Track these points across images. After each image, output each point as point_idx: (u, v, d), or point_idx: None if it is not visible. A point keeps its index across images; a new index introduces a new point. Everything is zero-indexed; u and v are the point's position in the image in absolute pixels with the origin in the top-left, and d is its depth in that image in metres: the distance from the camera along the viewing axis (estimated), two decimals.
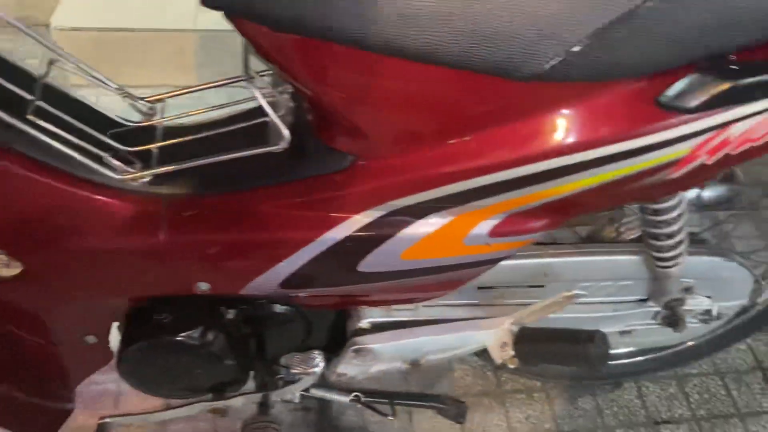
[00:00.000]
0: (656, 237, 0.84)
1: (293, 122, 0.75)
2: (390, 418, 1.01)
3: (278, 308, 0.88)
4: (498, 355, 0.89)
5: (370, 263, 0.78)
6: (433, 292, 0.85)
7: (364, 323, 0.92)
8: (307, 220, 0.76)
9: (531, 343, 0.86)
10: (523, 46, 0.58)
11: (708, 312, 0.99)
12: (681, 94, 0.62)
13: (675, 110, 0.63)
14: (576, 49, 0.57)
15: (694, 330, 1.07)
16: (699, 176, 0.71)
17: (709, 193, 1.08)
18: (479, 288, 0.92)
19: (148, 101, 0.82)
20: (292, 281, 0.80)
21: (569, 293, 0.86)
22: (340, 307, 0.91)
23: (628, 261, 0.90)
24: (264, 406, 0.94)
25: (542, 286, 0.93)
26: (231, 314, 0.86)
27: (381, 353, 0.90)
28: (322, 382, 1.00)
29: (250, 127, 0.76)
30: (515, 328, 0.89)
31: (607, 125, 0.64)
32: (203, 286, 0.82)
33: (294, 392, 0.92)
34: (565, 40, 0.57)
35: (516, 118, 0.66)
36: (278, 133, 0.70)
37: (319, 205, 0.75)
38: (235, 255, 0.78)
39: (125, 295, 0.85)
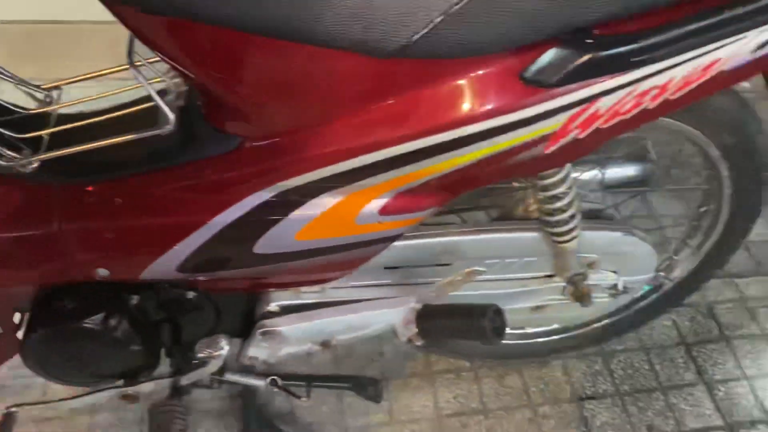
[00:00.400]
0: (548, 213, 0.87)
1: (184, 106, 0.75)
2: (303, 399, 1.02)
3: (184, 293, 0.89)
4: (403, 333, 0.91)
5: (265, 245, 0.79)
6: (334, 273, 0.86)
7: (272, 306, 0.92)
8: (198, 203, 0.76)
9: (431, 319, 0.88)
10: (384, 22, 0.59)
11: (614, 286, 1.02)
12: (544, 69, 0.63)
13: (540, 85, 0.64)
14: (435, 24, 0.59)
15: (607, 306, 1.09)
16: (575, 151, 0.73)
17: (621, 170, 1.11)
18: (386, 268, 0.93)
19: (44, 89, 0.82)
20: (189, 265, 0.80)
21: (468, 270, 0.88)
22: (246, 291, 0.92)
23: (528, 238, 0.92)
24: (176, 390, 0.95)
25: (449, 265, 0.94)
26: (135, 300, 0.87)
27: (288, 335, 0.91)
28: (239, 367, 1.01)
29: (139, 112, 0.76)
30: (419, 306, 0.90)
31: (474, 102, 0.65)
32: (102, 272, 0.82)
33: (202, 376, 0.92)
34: (423, 17, 0.58)
35: (389, 97, 0.67)
36: (165, 117, 0.71)
37: (209, 188, 0.76)
38: (128, 240, 0.78)
39: (26, 284, 0.85)
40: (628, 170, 1.11)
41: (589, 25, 0.64)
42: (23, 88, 0.81)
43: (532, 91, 0.65)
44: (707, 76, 0.69)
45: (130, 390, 0.91)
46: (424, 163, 0.71)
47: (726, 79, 0.70)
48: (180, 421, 0.90)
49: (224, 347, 0.89)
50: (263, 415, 1.18)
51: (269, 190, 0.75)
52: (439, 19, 0.59)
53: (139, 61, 0.71)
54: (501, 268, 0.97)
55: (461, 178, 0.74)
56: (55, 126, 0.77)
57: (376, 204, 0.76)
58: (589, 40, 0.63)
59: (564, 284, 0.99)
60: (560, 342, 1.27)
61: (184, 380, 0.92)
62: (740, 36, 0.66)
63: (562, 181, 0.82)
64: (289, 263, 0.81)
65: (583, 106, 0.67)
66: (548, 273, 0.99)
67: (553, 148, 0.71)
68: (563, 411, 1.28)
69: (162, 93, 0.74)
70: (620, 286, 1.01)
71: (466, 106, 0.66)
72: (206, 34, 0.62)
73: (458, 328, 0.86)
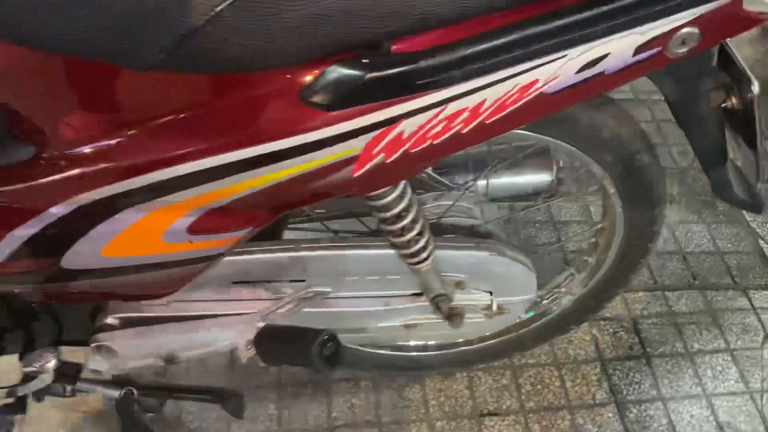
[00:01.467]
0: (391, 234, 0.80)
1: None
2: (150, 415, 0.97)
3: (22, 303, 0.84)
4: (243, 354, 0.85)
5: (71, 260, 0.73)
6: (158, 290, 0.80)
7: (110, 319, 0.88)
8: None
9: (268, 342, 0.82)
10: (137, 34, 0.53)
11: (489, 307, 0.95)
12: (323, 90, 0.56)
13: (322, 107, 0.58)
14: (187, 34, 0.52)
15: (489, 325, 1.03)
16: (390, 174, 0.67)
17: (514, 181, 1.04)
18: (234, 282, 0.88)
19: None
20: (3, 275, 0.76)
21: (308, 291, 0.82)
22: (77, 303, 0.87)
23: (381, 255, 0.86)
24: (19, 399, 0.91)
25: (303, 281, 0.88)
26: None
27: (123, 351, 0.86)
28: (94, 377, 0.96)
29: None
30: (261, 326, 0.85)
31: (252, 123, 0.59)
32: None
33: (33, 390, 0.88)
34: (175, 26, 0.52)
35: (167, 113, 0.61)
36: None
37: (8, 198, 0.70)
38: None
39: None
40: (522, 181, 1.04)
41: (381, 41, 0.57)
42: None
43: (315, 114, 0.58)
44: (526, 99, 0.61)
45: None
46: (219, 183, 0.65)
47: (553, 103, 0.63)
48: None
49: (51, 361, 0.85)
50: (141, 420, 1.13)
51: (70, 203, 0.69)
52: (194, 29, 0.52)
53: None
54: (363, 285, 0.91)
55: (271, 199, 0.68)
56: None
57: (183, 222, 0.70)
58: (371, 60, 0.56)
59: (422, 305, 0.93)
60: (455, 356, 1.21)
61: (20, 391, 0.88)
62: (558, 54, 0.59)
63: (398, 201, 0.75)
64: (102, 279, 0.76)
65: (382, 129, 0.61)
66: (416, 291, 0.93)
67: (361, 172, 0.64)
68: (461, 427, 1.23)
69: None
70: (494, 307, 0.95)
71: (243, 126, 0.60)
72: None
73: (289, 354, 0.81)
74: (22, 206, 0.70)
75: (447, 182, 0.98)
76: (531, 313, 1.15)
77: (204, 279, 0.85)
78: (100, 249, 0.72)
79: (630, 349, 1.35)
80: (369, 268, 0.88)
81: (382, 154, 0.63)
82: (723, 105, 0.75)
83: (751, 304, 1.43)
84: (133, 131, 0.63)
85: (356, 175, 0.65)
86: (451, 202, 0.97)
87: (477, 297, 0.95)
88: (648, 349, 1.35)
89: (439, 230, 0.95)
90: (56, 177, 0.68)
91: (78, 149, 0.66)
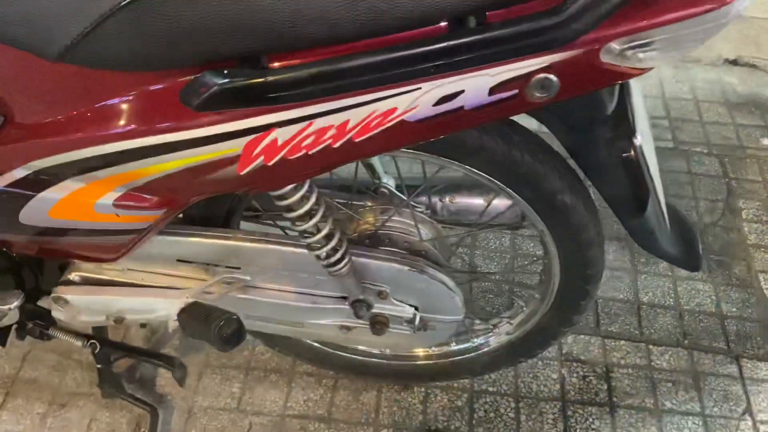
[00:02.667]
0: (301, 234, 0.87)
1: None
2: (99, 366, 1.09)
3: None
4: (171, 324, 0.96)
5: (27, 216, 0.86)
6: (101, 254, 0.92)
7: (73, 275, 1.00)
8: None
9: (187, 316, 0.92)
10: (43, 26, 0.63)
11: (411, 320, 1.00)
12: (193, 94, 0.64)
13: (196, 108, 0.66)
14: (86, 32, 0.62)
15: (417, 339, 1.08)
16: (273, 177, 0.74)
17: (469, 203, 1.09)
18: (178, 260, 0.98)
19: None
20: None
21: (226, 277, 0.91)
22: (45, 256, 1.00)
23: (299, 254, 0.93)
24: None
25: (238, 268, 0.97)
26: None
27: (75, 304, 0.99)
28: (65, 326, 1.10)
29: None
30: (190, 302, 0.95)
31: (141, 117, 0.69)
32: None
33: (6, 324, 1.02)
34: (71, 24, 0.62)
35: (84, 101, 0.72)
36: None
37: None
38: None
39: None
40: (474, 206, 1.08)
41: (260, 56, 0.65)
42: None
43: (191, 114, 0.67)
44: (388, 125, 0.67)
45: None
46: (129, 166, 0.75)
47: (419, 131, 0.68)
48: None
49: (14, 302, 0.98)
50: (116, 380, 1.26)
51: (27, 167, 0.82)
52: (89, 29, 0.62)
53: None
54: (293, 281, 0.99)
55: (176, 186, 0.78)
56: None
57: (110, 196, 0.81)
58: (241, 70, 0.64)
59: (347, 309, 0.99)
60: (400, 368, 1.25)
61: None
62: (413, 86, 0.64)
63: (302, 202, 0.83)
64: (52, 237, 0.88)
65: (257, 135, 0.68)
66: (342, 294, 0.99)
67: (246, 171, 0.72)
68: None
69: None
70: (416, 322, 1.00)
71: (139, 119, 0.69)
72: None
73: (198, 329, 0.90)
74: None
75: (389, 196, 1.03)
76: (480, 340, 1.18)
77: (154, 253, 0.96)
78: (47, 210, 0.84)
79: (596, 395, 1.34)
80: (297, 266, 0.96)
81: (262, 157, 0.71)
82: (625, 155, 0.77)
83: (740, 373, 1.37)
84: (62, 115, 0.74)
85: (242, 173, 0.73)
86: (395, 216, 1.03)
87: (400, 309, 1.00)
88: (615, 399, 1.33)
89: (374, 241, 1.01)
90: (19, 144, 0.80)
91: (35, 121, 0.78)
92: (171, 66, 0.65)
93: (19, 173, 0.82)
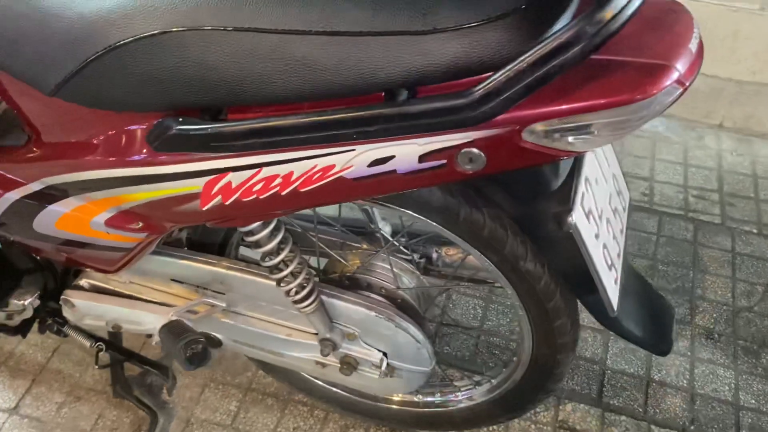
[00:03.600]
0: (269, 270, 0.93)
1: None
2: (95, 367, 1.19)
3: (13, 250, 1.11)
4: (154, 337, 1.04)
5: (39, 224, 0.97)
6: (99, 265, 1.01)
7: (83, 281, 1.11)
8: (1, 179, 0.97)
9: (166, 332, 1.00)
10: (42, 64, 0.74)
11: (379, 366, 1.03)
12: (153, 136, 0.73)
13: (155, 149, 0.74)
14: (70, 75, 0.72)
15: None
16: (232, 214, 0.81)
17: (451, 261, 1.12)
18: (172, 279, 1.07)
19: None
20: (1, 226, 1.02)
21: (204, 302, 0.99)
22: (58, 262, 1.11)
23: (269, 287, 0.98)
24: (22, 326, 1.18)
25: (223, 294, 1.05)
26: None
27: (79, 308, 1.09)
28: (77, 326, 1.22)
29: None
30: (173, 319, 1.03)
31: (112, 151, 0.78)
32: None
33: (22, 318, 1.14)
34: (62, 65, 0.72)
35: (77, 131, 0.82)
36: None
37: (6, 169, 0.96)
38: None
39: None
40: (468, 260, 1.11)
41: (222, 107, 0.72)
42: None
43: (154, 153, 0.75)
44: (328, 180, 0.72)
45: None
46: (113, 192, 0.84)
47: (357, 188, 0.73)
48: None
49: (28, 298, 1.10)
50: (127, 382, 1.36)
51: (41, 182, 0.93)
52: (74, 71, 0.72)
53: None
54: (269, 312, 1.05)
55: (151, 214, 0.86)
56: None
57: (103, 215, 0.90)
58: (196, 118, 0.71)
59: (317, 345, 1.03)
60: (396, 414, 1.28)
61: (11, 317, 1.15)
62: (348, 147, 0.69)
63: (268, 239, 0.89)
64: (57, 246, 0.99)
65: (213, 176, 0.75)
66: (314, 331, 1.04)
67: (207, 207, 0.80)
68: None
69: None
70: (383, 367, 1.03)
71: (113, 152, 0.78)
72: None
73: (169, 345, 0.97)
74: (15, 177, 0.96)
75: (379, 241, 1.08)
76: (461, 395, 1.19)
77: (151, 270, 1.06)
78: (54, 221, 0.95)
79: None
80: (272, 298, 1.02)
81: (219, 196, 0.78)
82: (562, 232, 0.78)
83: None
84: (66, 140, 0.85)
85: (204, 209, 0.80)
86: (378, 261, 1.07)
87: (368, 353, 1.03)
88: None
89: (354, 284, 1.05)
90: (35, 161, 0.92)
91: (47, 144, 0.90)
92: (141, 109, 0.74)
93: (35, 186, 0.93)
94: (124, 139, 0.78)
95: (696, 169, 1.95)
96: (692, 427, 1.36)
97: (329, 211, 1.15)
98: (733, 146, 2.01)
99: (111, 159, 0.80)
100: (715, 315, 1.57)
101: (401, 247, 1.11)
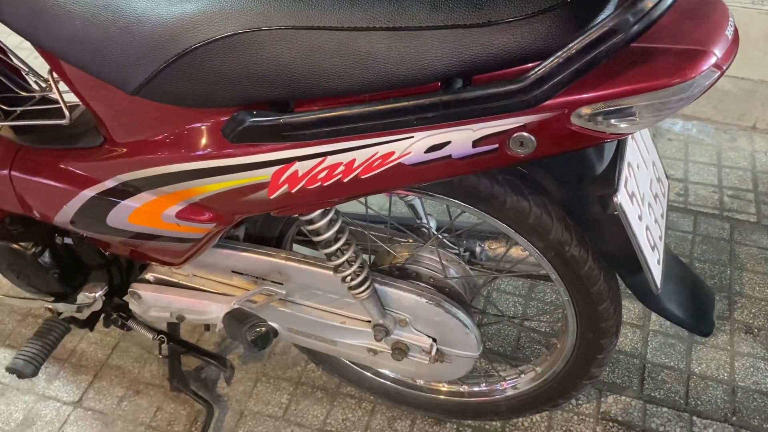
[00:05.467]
0: (327, 257, 0.99)
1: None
2: (160, 357, 1.26)
3: (85, 246, 1.19)
4: (219, 326, 1.10)
5: (112, 219, 1.05)
6: (167, 258, 1.08)
7: (149, 275, 1.19)
8: (78, 177, 1.05)
9: (229, 319, 1.06)
10: (124, 66, 0.81)
11: (429, 351, 1.08)
12: (227, 129, 0.80)
13: (230, 141, 0.81)
14: (151, 74, 0.79)
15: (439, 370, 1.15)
16: (297, 202, 0.87)
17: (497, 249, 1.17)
18: (233, 271, 1.13)
19: (44, 79, 1.18)
20: (76, 222, 1.10)
21: (265, 292, 1.05)
22: (126, 255, 1.19)
23: (326, 276, 1.04)
24: (89, 319, 1.26)
25: (281, 284, 1.11)
26: (59, 240, 1.19)
27: (146, 300, 1.16)
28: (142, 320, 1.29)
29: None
30: (234, 308, 1.09)
31: (191, 145, 0.85)
32: (36, 212, 1.15)
33: (91, 311, 1.22)
34: (144, 66, 0.79)
35: (156, 128, 0.89)
36: (62, 113, 1.01)
37: (83, 168, 1.04)
38: (42, 192, 1.10)
39: None
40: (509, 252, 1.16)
41: (289, 101, 0.79)
42: (32, 76, 1.18)
43: (228, 145, 0.82)
44: (387, 167, 0.78)
45: (50, 305, 1.24)
46: (187, 184, 0.91)
47: (414, 174, 0.79)
48: (54, 334, 1.21)
49: (98, 291, 1.17)
50: (183, 376, 1.43)
51: (115, 179, 1.01)
52: (155, 72, 0.79)
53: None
54: (324, 301, 1.11)
55: (221, 205, 0.93)
56: (30, 106, 1.13)
57: (174, 208, 0.98)
58: (268, 111, 0.78)
59: (370, 331, 1.09)
60: (442, 403, 1.32)
61: (62, 308, 1.22)
62: (407, 134, 0.76)
63: (327, 227, 0.95)
64: (129, 239, 1.06)
65: (282, 166, 0.82)
66: (368, 318, 1.10)
67: (275, 196, 0.86)
68: None
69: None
70: (432, 352, 1.08)
71: (192, 146, 0.85)
72: (58, 65, 0.90)
73: (233, 331, 1.03)
74: (89, 176, 1.04)
75: (426, 235, 1.13)
76: (507, 383, 1.23)
77: (214, 263, 1.13)
78: (127, 216, 1.03)
79: None
80: (328, 286, 1.08)
81: (286, 185, 0.84)
82: (608, 213, 0.83)
83: None
84: (140, 139, 0.92)
85: (271, 197, 0.87)
86: (426, 253, 1.13)
87: (419, 338, 1.09)
88: None
89: (403, 274, 1.11)
90: (110, 161, 1.00)
91: (121, 143, 0.97)
92: (217, 105, 0.81)
93: (109, 183, 1.01)
94: (198, 134, 0.85)
95: (730, 169, 1.97)
96: (734, 418, 1.38)
97: (377, 208, 1.21)
98: (766, 147, 2.03)
99: (185, 153, 0.88)
100: (753, 310, 1.58)
101: (445, 241, 1.16)
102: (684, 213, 1.84)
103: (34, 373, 1.22)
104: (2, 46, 1.15)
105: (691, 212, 1.84)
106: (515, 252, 1.16)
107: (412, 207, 1.19)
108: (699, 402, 1.42)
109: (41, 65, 0.99)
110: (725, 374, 1.46)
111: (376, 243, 1.14)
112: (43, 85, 1.19)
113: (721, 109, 2.07)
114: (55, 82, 1.01)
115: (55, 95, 1.08)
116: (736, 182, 1.92)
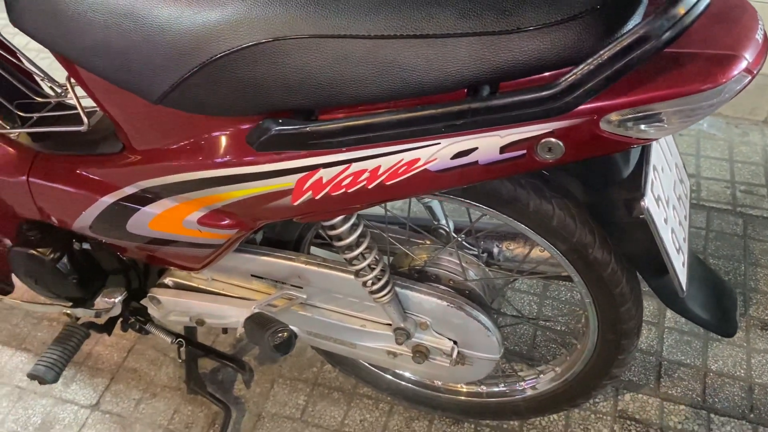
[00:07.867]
0: (348, 262, 0.99)
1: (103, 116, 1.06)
2: (179, 360, 1.26)
3: (104, 251, 1.19)
4: (238, 329, 1.10)
5: (132, 225, 1.05)
6: (187, 263, 1.08)
7: (167, 280, 1.18)
8: (97, 184, 1.05)
9: (250, 323, 1.06)
10: (148, 74, 0.81)
11: (450, 354, 1.08)
12: (252, 136, 0.79)
13: (256, 148, 0.80)
14: (176, 84, 0.79)
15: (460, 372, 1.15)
16: (322, 208, 0.87)
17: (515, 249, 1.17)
18: (252, 275, 1.13)
19: (60, 84, 1.18)
20: (95, 228, 1.10)
21: (285, 296, 1.05)
22: (145, 261, 1.19)
23: (346, 279, 1.04)
24: (107, 324, 1.26)
25: (301, 288, 1.11)
26: (77, 246, 1.19)
27: (165, 305, 1.16)
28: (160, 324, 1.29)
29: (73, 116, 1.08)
30: (255, 312, 1.09)
31: (215, 153, 0.85)
32: (54, 218, 1.15)
33: (110, 315, 1.22)
34: (168, 75, 0.79)
35: (176, 135, 0.89)
36: (80, 120, 1.01)
37: (103, 175, 1.04)
38: (61, 198, 1.10)
39: (9, 217, 1.20)
40: (521, 253, 1.15)
41: (314, 109, 0.79)
42: (47, 82, 1.18)
43: (253, 153, 0.82)
44: (413, 173, 0.78)
45: (68, 310, 1.24)
46: (210, 191, 0.91)
47: (440, 180, 0.79)
48: (74, 339, 1.21)
49: (118, 297, 1.17)
50: (200, 379, 1.44)
51: (135, 186, 1.01)
52: (180, 80, 0.79)
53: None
54: (344, 304, 1.11)
55: (244, 211, 0.93)
56: (46, 112, 1.13)
57: (195, 215, 0.98)
58: (292, 119, 0.78)
59: (391, 335, 1.09)
60: (461, 404, 1.32)
61: (82, 313, 1.22)
62: (433, 141, 0.75)
63: (348, 233, 0.95)
64: (149, 245, 1.06)
65: (306, 173, 0.82)
66: (388, 321, 1.10)
67: (298, 202, 0.86)
68: None
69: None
70: (453, 354, 1.08)
71: (215, 153, 0.85)
72: (79, 73, 0.90)
73: (255, 335, 1.03)
74: (108, 182, 1.04)
75: (444, 237, 1.13)
76: (526, 384, 1.23)
77: (233, 267, 1.13)
78: (147, 222, 1.03)
79: None
80: (348, 290, 1.08)
81: (310, 192, 0.84)
82: (634, 217, 0.82)
83: None
84: (162, 146, 0.92)
85: (295, 204, 0.87)
86: (445, 255, 1.13)
87: (440, 341, 1.09)
88: None
89: (423, 277, 1.11)
90: (130, 167, 1.00)
91: (142, 150, 0.97)
92: (242, 113, 0.80)
93: (129, 190, 1.01)
94: (222, 141, 0.85)
95: (742, 164, 1.97)
96: (752, 415, 1.38)
97: (395, 210, 1.21)
98: None
99: (208, 160, 0.87)
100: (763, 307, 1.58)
101: (464, 243, 1.16)
102: (697, 209, 1.84)
103: (56, 379, 1.22)
104: (16, 50, 1.14)
105: (704, 208, 1.84)
106: (534, 252, 1.15)
107: (429, 209, 1.19)
108: (716, 399, 1.42)
109: (54, 68, 0.98)
110: (742, 371, 1.46)
111: (394, 245, 1.14)
112: (59, 90, 1.19)
113: (732, 104, 2.07)
114: (73, 88, 1.01)
115: (72, 101, 1.08)
116: (748, 177, 1.92)
